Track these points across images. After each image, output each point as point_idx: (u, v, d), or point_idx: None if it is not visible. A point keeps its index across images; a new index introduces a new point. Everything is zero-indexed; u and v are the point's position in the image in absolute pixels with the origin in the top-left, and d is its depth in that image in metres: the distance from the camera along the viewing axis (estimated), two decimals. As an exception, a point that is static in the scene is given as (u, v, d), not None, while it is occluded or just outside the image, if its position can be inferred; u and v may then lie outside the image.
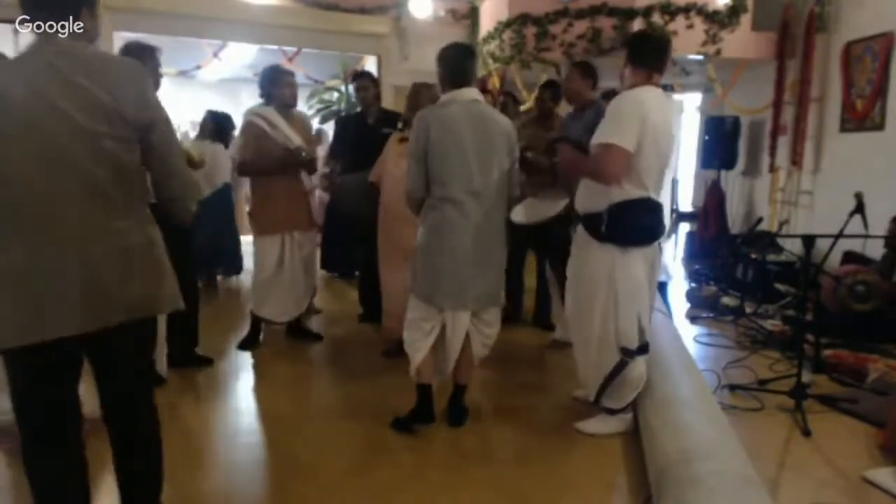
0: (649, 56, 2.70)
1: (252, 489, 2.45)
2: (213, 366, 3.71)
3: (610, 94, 4.51)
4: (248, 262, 5.10)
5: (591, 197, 2.75)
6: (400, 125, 3.79)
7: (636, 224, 2.69)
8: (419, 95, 3.45)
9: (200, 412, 3.14)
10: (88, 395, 1.84)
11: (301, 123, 4.01)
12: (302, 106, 6.72)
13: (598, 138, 2.61)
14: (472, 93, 2.78)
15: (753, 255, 5.52)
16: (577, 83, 3.83)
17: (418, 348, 2.85)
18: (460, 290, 2.75)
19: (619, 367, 2.76)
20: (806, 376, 3.25)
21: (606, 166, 2.58)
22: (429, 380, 2.91)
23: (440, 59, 2.80)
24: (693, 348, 4.12)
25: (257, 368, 3.78)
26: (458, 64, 2.77)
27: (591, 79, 3.85)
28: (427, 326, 2.82)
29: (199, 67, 8.17)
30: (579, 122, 3.80)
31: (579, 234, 2.86)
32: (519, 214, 3.51)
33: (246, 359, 3.90)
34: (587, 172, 2.73)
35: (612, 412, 2.88)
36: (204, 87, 10.14)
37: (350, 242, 5.43)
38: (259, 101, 3.90)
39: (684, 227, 7.96)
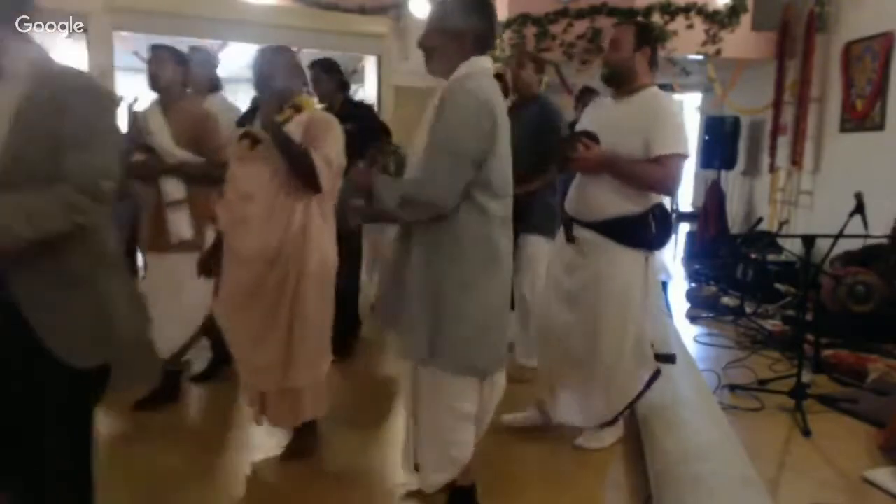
0: (657, 57, 2.63)
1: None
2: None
3: (587, 92, 4.52)
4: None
5: (613, 200, 2.49)
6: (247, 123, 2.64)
7: (669, 227, 2.64)
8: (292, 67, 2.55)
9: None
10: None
11: (186, 115, 3.16)
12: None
13: (669, 148, 2.40)
14: (489, 62, 2.01)
15: (753, 255, 5.52)
16: (530, 76, 3.64)
17: (466, 444, 2.05)
18: (502, 342, 2.07)
19: (656, 376, 2.62)
20: (806, 376, 3.25)
21: (678, 177, 2.45)
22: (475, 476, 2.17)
23: (468, 11, 1.90)
24: (693, 348, 4.12)
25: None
26: (491, 20, 1.96)
27: (541, 74, 3.75)
28: (472, 411, 2.04)
29: (198, 67, 8.15)
30: (521, 116, 3.37)
31: (589, 242, 2.56)
32: None
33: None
34: (650, 180, 2.44)
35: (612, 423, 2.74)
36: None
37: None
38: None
39: (684, 227, 7.95)
